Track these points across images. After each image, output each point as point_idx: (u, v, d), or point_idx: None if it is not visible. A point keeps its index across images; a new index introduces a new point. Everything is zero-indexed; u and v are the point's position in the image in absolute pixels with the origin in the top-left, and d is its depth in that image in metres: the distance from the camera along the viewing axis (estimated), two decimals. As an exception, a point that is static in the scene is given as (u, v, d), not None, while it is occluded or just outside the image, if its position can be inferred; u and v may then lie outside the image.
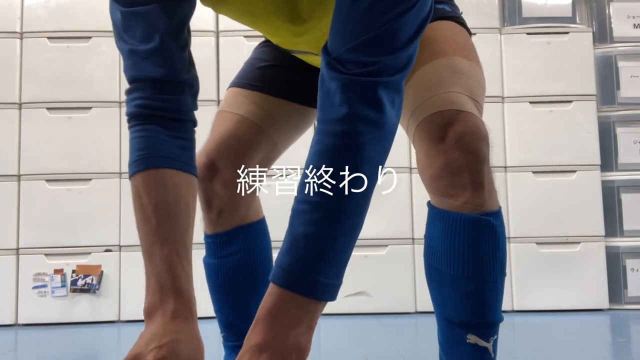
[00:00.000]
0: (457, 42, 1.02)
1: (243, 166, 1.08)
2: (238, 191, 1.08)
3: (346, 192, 0.72)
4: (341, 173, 0.73)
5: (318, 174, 0.73)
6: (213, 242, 1.14)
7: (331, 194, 0.72)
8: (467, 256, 0.92)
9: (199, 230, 1.15)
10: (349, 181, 0.72)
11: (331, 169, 0.73)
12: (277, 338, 0.69)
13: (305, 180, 0.75)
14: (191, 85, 0.89)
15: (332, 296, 0.73)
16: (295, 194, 0.77)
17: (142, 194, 0.81)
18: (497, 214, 0.94)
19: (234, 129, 1.08)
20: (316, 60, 1.09)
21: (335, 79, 0.76)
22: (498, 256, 0.94)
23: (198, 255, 1.17)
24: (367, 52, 0.75)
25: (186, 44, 0.88)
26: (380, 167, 0.77)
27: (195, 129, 0.91)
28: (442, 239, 0.93)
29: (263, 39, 1.20)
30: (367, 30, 0.74)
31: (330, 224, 0.72)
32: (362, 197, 0.75)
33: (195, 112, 0.91)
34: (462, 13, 1.10)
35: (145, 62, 0.84)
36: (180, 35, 0.86)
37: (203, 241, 1.18)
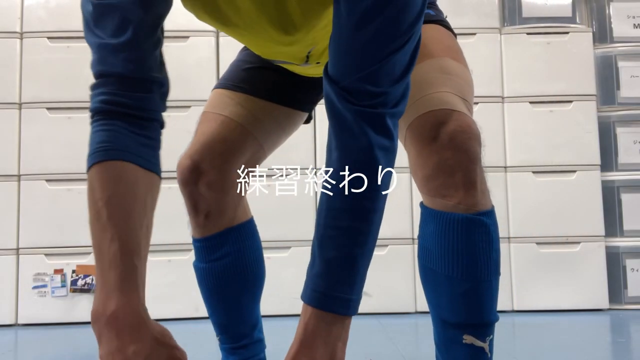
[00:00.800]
0: (444, 44, 1.03)
1: (228, 168, 1.07)
2: (224, 193, 1.08)
3: (370, 215, 0.79)
4: (366, 197, 0.79)
5: (346, 200, 0.79)
6: (202, 246, 1.13)
7: (358, 219, 0.79)
8: (461, 256, 0.92)
9: (187, 232, 1.15)
10: (372, 205, 0.79)
11: (358, 195, 0.79)
12: (314, 350, 0.74)
13: (331, 206, 0.80)
14: (161, 85, 0.86)
15: (357, 310, 0.79)
16: (319, 219, 0.81)
17: (95, 187, 0.77)
18: (490, 214, 0.95)
19: (219, 130, 1.08)
20: (297, 69, 1.08)
21: (349, 110, 0.80)
22: (492, 256, 0.94)
23: (187, 262, 1.18)
24: (375, 83, 0.79)
25: (158, 42, 0.86)
26: (389, 184, 0.83)
27: (162, 130, 0.89)
28: (436, 239, 0.93)
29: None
30: (373, 62, 0.78)
31: (358, 247, 0.78)
32: (381, 217, 0.82)
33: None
34: (446, 17, 1.11)
35: (114, 56, 0.81)
36: (153, 32, 0.84)
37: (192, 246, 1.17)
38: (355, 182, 0.79)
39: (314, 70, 1.07)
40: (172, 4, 0.87)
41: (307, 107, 1.19)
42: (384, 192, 0.81)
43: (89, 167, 0.79)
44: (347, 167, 0.80)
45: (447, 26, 1.07)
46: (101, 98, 0.81)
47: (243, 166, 1.10)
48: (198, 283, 1.17)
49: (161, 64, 0.87)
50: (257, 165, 1.15)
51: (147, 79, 0.84)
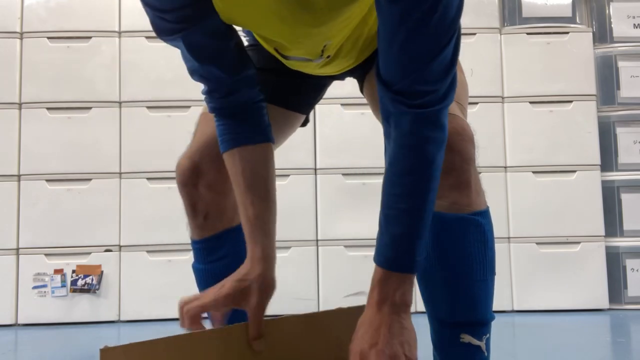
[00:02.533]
0: None
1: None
2: (224, 194, 1.08)
3: (426, 196, 0.87)
4: (421, 184, 0.87)
5: (402, 188, 0.87)
6: (201, 247, 1.13)
7: (416, 200, 0.87)
8: (456, 257, 0.95)
9: (187, 232, 1.15)
10: (426, 187, 0.87)
11: (414, 183, 0.87)
12: (389, 296, 0.87)
13: (392, 192, 0.89)
14: (249, 78, 0.97)
15: (422, 264, 0.90)
16: (383, 200, 0.90)
17: (230, 167, 0.99)
18: (485, 213, 0.97)
19: None
20: (308, 69, 1.08)
21: (403, 112, 0.85)
22: (487, 255, 0.96)
23: (187, 262, 1.18)
24: (426, 82, 0.83)
25: (228, 50, 0.95)
26: (441, 164, 0.89)
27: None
28: (431, 239, 0.95)
29: (248, 44, 1.19)
30: (424, 65, 0.82)
31: (418, 221, 0.87)
32: (435, 194, 0.88)
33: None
34: None
35: (202, 77, 0.96)
36: (221, 46, 0.93)
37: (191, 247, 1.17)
38: (412, 172, 0.86)
39: (322, 69, 1.07)
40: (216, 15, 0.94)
41: (306, 109, 1.20)
42: (436, 177, 0.87)
43: (222, 152, 1.00)
44: (403, 159, 0.87)
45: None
46: (210, 105, 0.99)
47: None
48: (197, 285, 1.16)
49: (241, 59, 0.97)
50: None
51: (236, 83, 0.96)
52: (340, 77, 1.16)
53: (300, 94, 1.17)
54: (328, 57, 1.02)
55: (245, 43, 1.19)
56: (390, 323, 0.86)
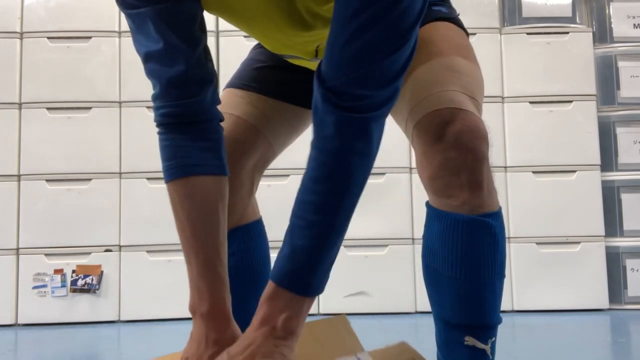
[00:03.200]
0: (454, 42, 1.02)
1: (239, 167, 1.07)
2: (234, 192, 1.08)
3: (338, 212, 0.83)
4: (333, 198, 0.82)
5: (314, 196, 0.83)
6: None
7: (326, 213, 0.83)
8: (465, 258, 0.91)
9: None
10: (340, 202, 0.83)
11: (327, 194, 0.82)
12: (273, 317, 0.82)
13: (303, 199, 0.84)
14: (210, 81, 0.91)
15: (321, 290, 0.85)
16: (293, 208, 0.85)
17: (175, 204, 0.91)
18: (497, 215, 0.94)
19: (230, 130, 1.07)
20: (308, 65, 1.08)
21: (330, 112, 0.80)
22: (497, 258, 0.93)
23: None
24: (362, 85, 0.79)
25: (199, 41, 0.89)
26: (364, 185, 0.85)
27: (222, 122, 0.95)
28: (440, 240, 0.92)
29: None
30: (363, 65, 0.77)
31: (324, 238, 0.83)
32: (349, 214, 0.85)
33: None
34: (459, 14, 1.10)
35: (160, 64, 0.87)
36: (189, 34, 0.88)
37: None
38: (328, 181, 0.82)
39: None
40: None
41: None
42: (355, 193, 0.83)
43: (167, 182, 0.92)
44: (321, 166, 0.82)
45: (459, 24, 1.07)
46: (161, 112, 0.90)
47: (253, 166, 1.10)
48: None
49: (207, 60, 0.91)
50: (267, 165, 1.15)
51: (196, 81, 0.89)
52: None
53: (311, 91, 1.16)
54: None
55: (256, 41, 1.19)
56: (261, 346, 0.81)
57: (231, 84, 1.15)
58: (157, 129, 0.91)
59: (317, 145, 0.83)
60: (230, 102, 1.11)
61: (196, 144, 0.90)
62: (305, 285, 0.82)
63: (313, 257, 0.82)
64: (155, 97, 0.90)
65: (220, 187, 0.92)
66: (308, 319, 0.86)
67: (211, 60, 0.92)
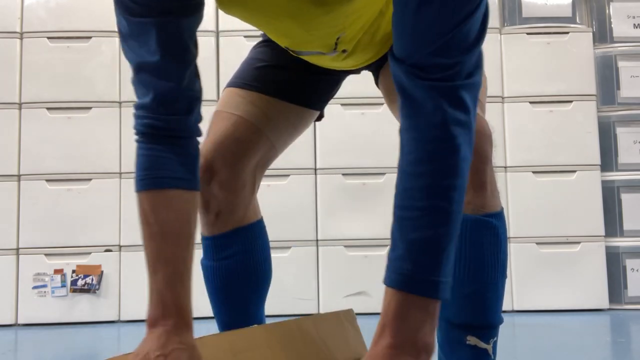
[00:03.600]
0: None
1: (240, 167, 1.07)
2: (236, 192, 1.08)
3: (450, 192, 0.74)
4: (444, 176, 0.75)
5: (422, 180, 0.75)
6: (211, 244, 1.13)
7: (437, 197, 0.74)
8: (468, 258, 0.91)
9: (197, 232, 1.15)
10: (451, 181, 0.75)
11: (435, 174, 0.75)
12: (407, 340, 0.72)
13: (408, 186, 0.76)
14: (197, 100, 0.90)
15: (448, 294, 0.75)
16: (396, 200, 0.77)
17: (147, 213, 0.88)
18: (499, 215, 0.95)
19: (232, 130, 1.07)
20: (323, 62, 1.08)
21: (420, 86, 0.75)
22: (499, 258, 0.93)
23: (196, 257, 1.17)
24: (446, 54, 0.74)
25: (193, 58, 0.88)
26: (470, 161, 0.78)
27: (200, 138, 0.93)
28: None
29: (261, 39, 1.19)
30: (442, 34, 0.73)
31: (441, 226, 0.74)
32: (462, 194, 0.76)
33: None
34: None
35: (154, 78, 0.85)
36: (186, 50, 0.86)
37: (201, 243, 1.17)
38: (434, 159, 0.75)
39: (340, 63, 1.06)
40: (203, 16, 0.88)
41: (319, 106, 1.19)
42: (464, 169, 0.76)
43: (138, 191, 0.88)
44: (423, 145, 0.75)
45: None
46: (144, 122, 0.87)
47: (255, 166, 1.10)
48: (205, 281, 1.16)
49: (196, 77, 0.89)
50: (268, 165, 1.14)
51: (186, 98, 0.87)
52: (357, 70, 1.14)
53: (314, 90, 1.16)
54: (344, 51, 1.01)
55: (260, 39, 1.19)
56: None
57: (232, 83, 1.15)
58: (135, 137, 0.89)
59: (413, 125, 0.76)
60: (231, 102, 1.11)
61: (176, 157, 0.88)
62: (435, 282, 0.73)
63: (436, 250, 0.73)
64: (140, 107, 0.87)
65: (193, 202, 0.91)
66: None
67: (199, 79, 0.90)
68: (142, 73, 0.86)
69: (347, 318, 0.97)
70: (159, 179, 0.87)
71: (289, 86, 1.12)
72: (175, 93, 0.86)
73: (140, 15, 0.82)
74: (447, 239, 0.74)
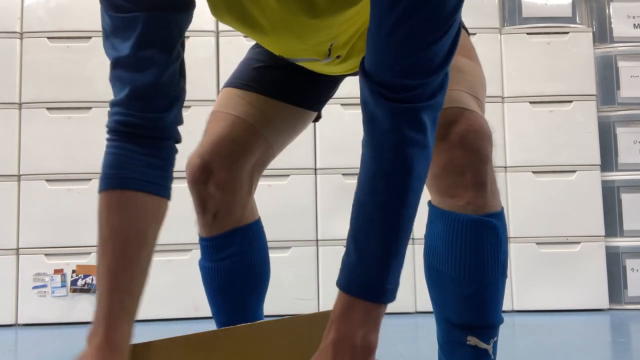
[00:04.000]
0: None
1: (238, 168, 1.07)
2: (233, 193, 1.07)
3: (403, 208, 0.78)
4: (397, 193, 0.78)
5: (376, 196, 0.79)
6: (208, 245, 1.13)
7: (389, 212, 0.78)
8: (469, 258, 0.91)
9: (194, 232, 1.15)
10: (404, 198, 0.78)
11: (388, 191, 0.78)
12: (348, 337, 0.76)
13: (364, 200, 0.80)
14: (178, 99, 0.86)
15: (394, 298, 0.80)
16: (353, 211, 0.81)
17: (102, 215, 0.82)
18: (500, 215, 0.95)
19: (229, 130, 1.07)
20: (317, 67, 1.08)
21: (382, 106, 0.77)
22: (500, 258, 0.93)
23: (187, 262, 1.17)
24: (411, 76, 0.76)
25: (177, 56, 0.85)
26: (425, 179, 0.81)
27: (178, 145, 0.89)
28: (444, 240, 0.93)
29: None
30: (409, 56, 0.75)
31: (392, 238, 0.78)
32: (414, 210, 0.80)
33: (185, 122, 0.89)
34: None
35: (131, 72, 0.82)
36: (170, 46, 0.83)
37: (198, 244, 1.17)
38: (388, 176, 0.78)
39: (335, 67, 1.06)
40: (193, 15, 0.86)
41: (317, 107, 1.19)
42: (417, 187, 0.79)
43: (99, 192, 0.83)
44: (379, 162, 0.79)
45: (460, 24, 1.07)
46: (117, 118, 0.84)
47: (252, 166, 1.09)
48: (203, 282, 1.16)
49: (181, 76, 0.86)
50: (266, 165, 1.14)
51: (164, 95, 0.84)
52: (354, 73, 1.13)
53: (312, 91, 1.16)
54: (338, 57, 1.01)
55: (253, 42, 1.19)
56: None
57: (229, 84, 1.14)
58: (106, 136, 0.85)
59: (371, 142, 0.79)
60: (229, 102, 1.11)
61: (145, 158, 0.83)
62: (382, 291, 0.78)
63: (385, 260, 0.77)
64: (115, 103, 0.85)
65: (157, 210, 0.85)
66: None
67: (184, 79, 0.87)
68: (119, 68, 0.83)
69: None
70: (122, 179, 0.82)
71: (287, 87, 1.12)
72: (151, 88, 0.82)
73: (127, 11, 0.80)
74: (396, 250, 0.78)
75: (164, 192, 0.86)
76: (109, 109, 0.86)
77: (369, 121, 0.79)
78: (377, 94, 0.77)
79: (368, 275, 0.78)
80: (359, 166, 0.82)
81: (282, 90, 1.12)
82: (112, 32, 0.83)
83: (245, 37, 2.56)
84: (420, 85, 0.77)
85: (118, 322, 0.81)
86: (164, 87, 0.83)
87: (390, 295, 0.79)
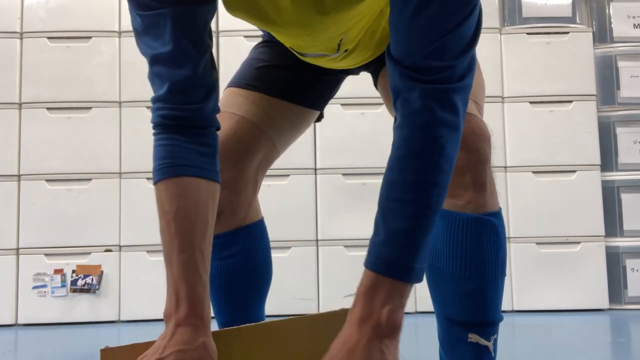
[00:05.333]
0: None
1: (243, 167, 1.07)
2: (238, 192, 1.08)
3: (432, 188, 0.79)
4: (427, 173, 0.80)
5: (406, 175, 0.80)
6: (213, 243, 1.13)
7: (419, 192, 0.79)
8: (469, 256, 0.93)
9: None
10: (433, 178, 0.79)
11: (418, 171, 0.79)
12: (374, 313, 0.77)
13: (393, 180, 0.81)
14: (213, 88, 0.90)
15: (421, 278, 0.81)
16: (382, 191, 0.82)
17: (163, 201, 0.86)
18: (498, 215, 0.97)
19: (234, 130, 1.07)
20: (326, 63, 1.08)
21: (413, 88, 0.79)
22: (499, 256, 0.95)
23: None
24: (440, 57, 0.78)
25: (208, 47, 0.89)
26: (454, 161, 0.82)
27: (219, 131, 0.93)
28: (444, 238, 0.94)
29: (261, 40, 1.19)
30: (437, 38, 0.77)
31: (421, 218, 0.79)
32: (443, 191, 0.81)
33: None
34: None
35: (169, 68, 0.85)
36: (200, 39, 0.87)
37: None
38: (419, 157, 0.79)
39: (340, 62, 1.07)
40: (217, 9, 0.89)
41: (320, 106, 1.20)
42: (447, 169, 0.81)
43: (156, 182, 0.87)
44: (410, 143, 0.80)
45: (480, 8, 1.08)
46: (161, 113, 0.87)
47: (257, 166, 1.10)
48: None
49: (212, 67, 0.90)
50: (270, 165, 1.15)
51: (200, 86, 0.87)
52: (355, 71, 1.15)
53: (315, 91, 1.17)
54: (346, 51, 1.02)
55: (260, 39, 1.19)
56: (368, 349, 0.76)
57: (233, 84, 1.15)
58: (153, 130, 0.90)
59: (403, 123, 0.81)
60: (232, 102, 1.11)
61: (195, 147, 0.88)
62: (408, 270, 0.78)
63: (413, 239, 0.78)
64: (156, 99, 0.88)
65: (213, 193, 0.89)
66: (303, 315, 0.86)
67: (215, 68, 0.91)
68: (157, 65, 0.86)
69: (343, 317, 0.97)
70: (177, 167, 0.86)
71: (290, 86, 1.13)
72: (190, 81, 0.86)
73: (153, 8, 0.83)
74: (425, 230, 0.79)
75: (216, 177, 0.90)
76: (150, 105, 0.89)
77: (402, 104, 0.81)
78: (408, 77, 0.79)
79: (396, 253, 0.78)
80: (391, 148, 0.83)
81: (285, 90, 1.12)
82: (144, 30, 0.86)
83: (245, 37, 2.57)
84: (449, 67, 0.79)
85: (201, 297, 0.83)
86: (200, 79, 0.87)
87: (418, 275, 0.79)
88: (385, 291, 0.78)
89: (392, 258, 0.78)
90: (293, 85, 1.13)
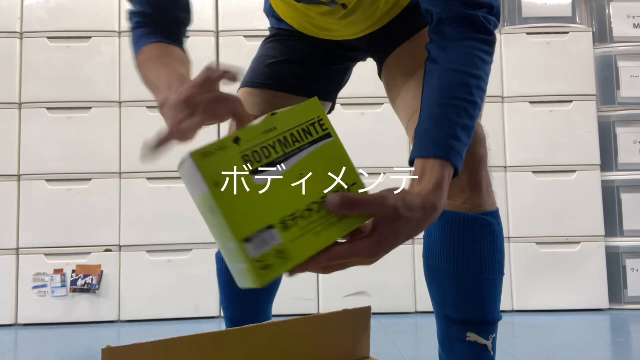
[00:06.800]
0: None
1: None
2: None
3: (472, 80, 0.82)
4: (468, 72, 0.83)
5: (450, 79, 0.82)
6: None
7: (462, 85, 0.82)
8: (467, 255, 0.94)
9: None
10: (474, 73, 0.83)
11: (460, 73, 0.83)
12: (416, 192, 0.74)
13: (436, 85, 0.82)
14: (184, 24, 0.98)
15: (461, 165, 0.80)
16: (423, 103, 0.83)
17: (152, 58, 0.93)
18: (495, 214, 0.97)
19: None
20: (324, 22, 1.09)
21: (456, 17, 0.84)
22: (496, 255, 0.96)
23: (209, 255, 1.16)
24: None
25: None
26: (486, 87, 0.86)
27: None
28: (442, 238, 0.94)
29: (268, 35, 1.20)
30: None
31: (465, 118, 0.80)
32: (483, 92, 0.84)
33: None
34: None
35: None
36: None
37: (213, 240, 1.17)
38: (458, 70, 0.83)
39: (344, 28, 1.08)
40: None
41: (332, 97, 1.21)
42: (481, 84, 0.83)
43: (138, 52, 0.95)
44: (449, 54, 0.84)
45: None
46: (137, 19, 0.96)
47: None
48: (217, 274, 1.18)
49: (187, 4, 0.97)
50: None
51: (178, 10, 0.96)
52: (362, 57, 1.17)
53: (325, 82, 1.18)
54: (344, 5, 1.02)
55: (266, 36, 1.20)
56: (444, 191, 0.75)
57: (246, 83, 1.16)
58: (131, 33, 0.97)
59: (443, 40, 0.85)
60: (247, 103, 1.12)
61: (166, 29, 0.96)
62: (452, 150, 0.77)
63: (457, 127, 0.79)
64: (133, 13, 0.96)
65: (186, 58, 0.97)
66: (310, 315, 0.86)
67: (191, 7, 0.99)
68: None
69: (362, 317, 0.97)
70: (159, 35, 0.94)
71: (302, 80, 1.14)
72: (162, 13, 0.94)
73: None
74: (467, 121, 0.80)
75: (185, 50, 0.98)
76: (127, 16, 0.98)
77: (441, 38, 0.85)
78: (451, 6, 0.84)
79: (441, 136, 0.78)
80: (425, 77, 0.85)
81: (296, 84, 1.14)
82: None
83: (245, 37, 2.57)
84: (488, 5, 0.85)
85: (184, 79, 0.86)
86: (170, 12, 0.95)
87: (459, 159, 0.78)
88: (429, 174, 0.76)
89: (437, 141, 0.78)
90: (304, 79, 1.14)
